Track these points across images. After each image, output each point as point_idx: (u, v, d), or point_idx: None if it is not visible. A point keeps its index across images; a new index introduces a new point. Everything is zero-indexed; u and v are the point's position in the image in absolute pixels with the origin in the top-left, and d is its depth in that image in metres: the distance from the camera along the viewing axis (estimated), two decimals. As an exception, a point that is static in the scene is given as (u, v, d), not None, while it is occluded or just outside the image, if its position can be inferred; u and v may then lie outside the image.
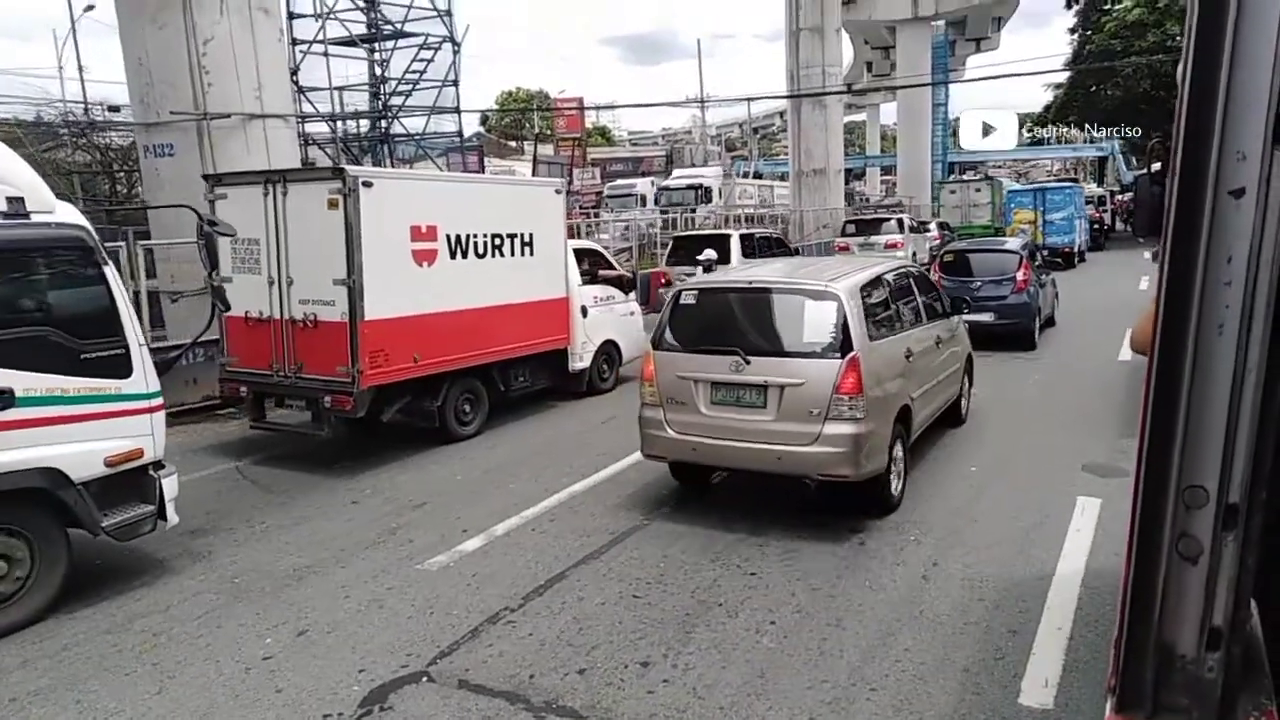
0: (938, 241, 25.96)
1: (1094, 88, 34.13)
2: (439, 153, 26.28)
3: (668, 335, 6.43)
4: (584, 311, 10.41)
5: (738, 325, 6.26)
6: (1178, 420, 1.49)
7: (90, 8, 24.29)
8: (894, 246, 23.19)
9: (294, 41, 21.62)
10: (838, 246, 24.51)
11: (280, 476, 7.72)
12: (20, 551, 4.84)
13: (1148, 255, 22.22)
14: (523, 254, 9.33)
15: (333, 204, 7.53)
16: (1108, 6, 33.25)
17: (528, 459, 8.02)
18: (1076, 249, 26.98)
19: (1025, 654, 4.20)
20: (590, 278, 10.81)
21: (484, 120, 55.06)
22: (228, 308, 7.35)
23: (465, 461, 8.03)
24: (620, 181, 41.42)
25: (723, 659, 4.26)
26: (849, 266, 7.06)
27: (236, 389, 8.57)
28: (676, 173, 40.08)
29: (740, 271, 8.22)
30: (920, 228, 27.78)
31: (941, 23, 45.59)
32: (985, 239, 21.33)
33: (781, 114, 48.20)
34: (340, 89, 24.11)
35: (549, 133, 50.61)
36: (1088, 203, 31.22)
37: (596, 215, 30.11)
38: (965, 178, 40.47)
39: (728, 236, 17.69)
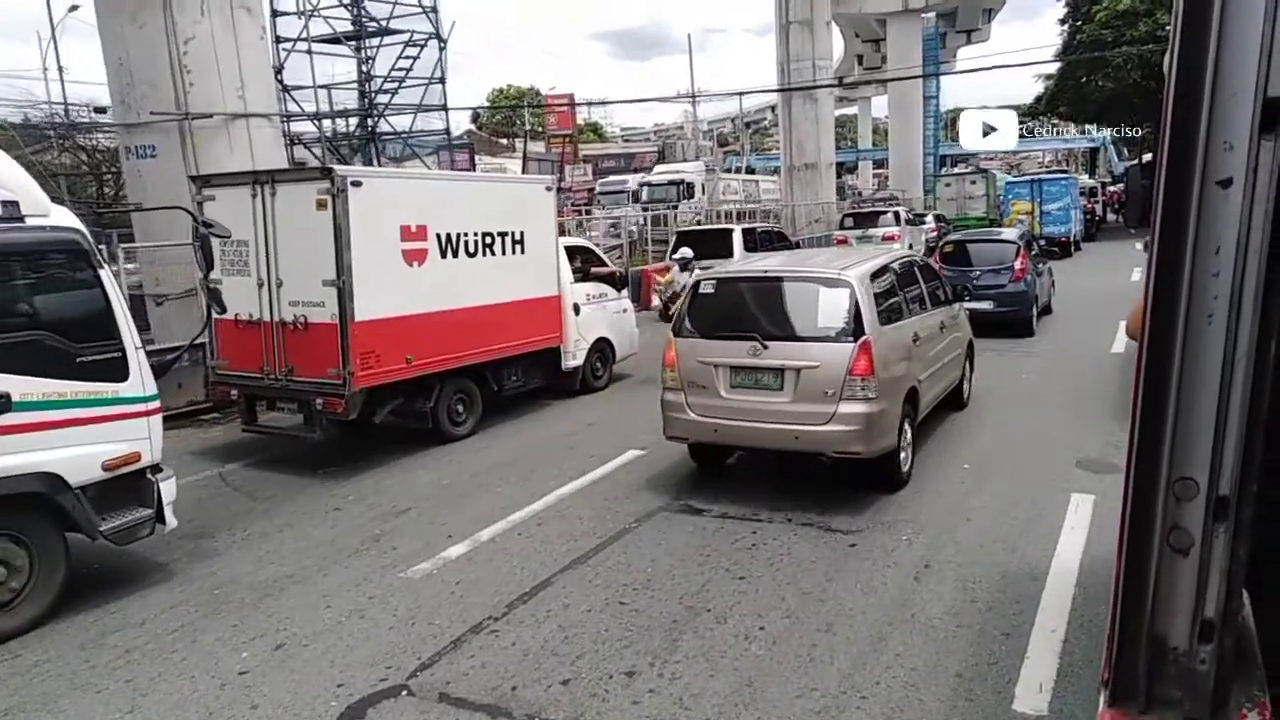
0: (935, 234, 25.99)
1: (1085, 79, 34.04)
2: (428, 151, 26.09)
3: (687, 323, 6.68)
4: (576, 309, 10.33)
5: (755, 312, 6.53)
6: (1167, 412, 1.49)
7: (75, 7, 24.07)
8: (891, 239, 23.15)
9: (278, 40, 21.41)
10: (836, 240, 24.50)
11: (264, 482, 7.61)
12: (19, 558, 4.78)
13: (1139, 246, 22.27)
14: (514, 252, 9.24)
15: (321, 204, 7.42)
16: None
17: (516, 461, 7.91)
18: (1072, 238, 27.50)
19: (1019, 658, 4.11)
20: (582, 275, 10.73)
21: (475, 118, 54.74)
22: (223, 310, 7.27)
23: (453, 465, 7.92)
24: (612, 178, 41.15)
25: (710, 667, 4.16)
26: (857, 256, 7.31)
27: (227, 392, 8.50)
28: (658, 168, 39.92)
29: (755, 262, 8.48)
30: (917, 220, 27.83)
31: (932, 15, 45.54)
32: (983, 229, 21.45)
33: (773, 108, 47.99)
34: (326, 87, 23.89)
35: (540, 130, 50.35)
36: (1080, 194, 31.41)
37: (588, 212, 29.97)
38: (959, 170, 40.52)
39: (730, 231, 17.66)
